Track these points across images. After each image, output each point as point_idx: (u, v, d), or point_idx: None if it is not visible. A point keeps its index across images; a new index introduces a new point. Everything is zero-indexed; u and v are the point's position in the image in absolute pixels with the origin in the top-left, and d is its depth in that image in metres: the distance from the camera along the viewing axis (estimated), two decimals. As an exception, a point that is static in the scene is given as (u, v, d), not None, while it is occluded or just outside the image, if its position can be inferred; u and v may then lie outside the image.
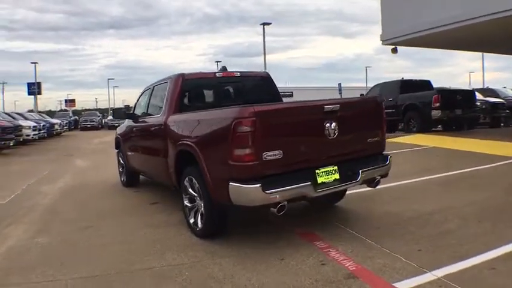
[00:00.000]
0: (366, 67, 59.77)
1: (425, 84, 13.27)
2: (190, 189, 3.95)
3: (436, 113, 11.40)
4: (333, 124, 3.49)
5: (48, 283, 3.03)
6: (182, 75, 4.79)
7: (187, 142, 3.90)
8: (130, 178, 6.67)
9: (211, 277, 2.99)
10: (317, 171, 3.49)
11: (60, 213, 5.17)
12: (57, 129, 25.98)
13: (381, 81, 14.26)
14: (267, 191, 3.11)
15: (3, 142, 12.86)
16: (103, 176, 7.88)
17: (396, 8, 11.93)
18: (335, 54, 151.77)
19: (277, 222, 4.20)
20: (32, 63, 42.42)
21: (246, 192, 3.13)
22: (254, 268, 3.10)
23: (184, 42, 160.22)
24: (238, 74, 5.17)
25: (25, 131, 17.14)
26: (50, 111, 60.00)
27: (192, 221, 3.98)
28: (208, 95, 5.12)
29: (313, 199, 3.56)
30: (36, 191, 6.66)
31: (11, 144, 13.53)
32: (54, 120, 26.68)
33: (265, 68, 32.40)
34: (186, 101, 4.79)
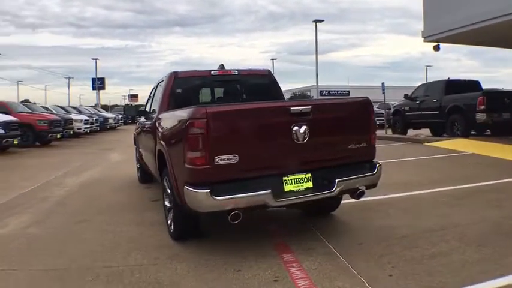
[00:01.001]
0: (426, 66, 56.43)
1: (473, 85, 12.06)
2: (168, 190, 3.90)
3: (481, 117, 10.29)
4: (303, 127, 3.20)
5: (11, 271, 3.13)
6: (175, 73, 4.75)
7: (161, 142, 3.85)
8: (144, 174, 6.82)
9: (157, 282, 2.90)
10: (285, 178, 3.25)
11: (66, 206, 5.39)
12: (110, 123, 27.58)
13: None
14: (217, 197, 2.94)
15: (50, 135, 13.89)
16: (128, 171, 8.13)
17: (439, 1, 10.91)
18: (401, 52, 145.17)
19: (260, 229, 4.04)
20: (92, 59, 45.74)
21: (196, 197, 2.99)
22: (204, 277, 2.96)
23: (248, 39, 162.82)
24: (236, 72, 5.00)
25: (76, 124, 18.41)
26: (116, 105, 64.40)
27: (169, 221, 3.93)
28: (202, 94, 5.03)
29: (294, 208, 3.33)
30: (57, 183, 7.05)
31: (58, 137, 14.56)
32: (108, 115, 28.35)
33: (316, 67, 31.86)
34: (178, 100, 4.74)
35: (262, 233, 3.96)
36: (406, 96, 13.61)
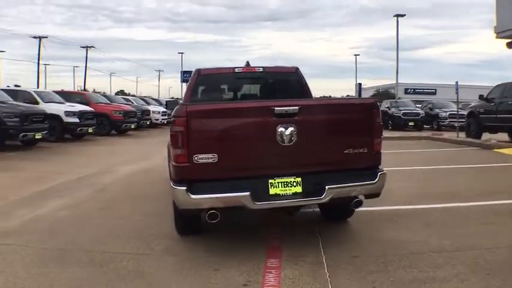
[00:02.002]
0: (519, 65, 49.83)
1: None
2: None
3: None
4: (289, 129, 3.07)
5: (23, 247, 3.50)
6: (198, 70, 4.92)
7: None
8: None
9: (137, 271, 3.06)
10: (271, 181, 3.16)
11: (104, 193, 5.84)
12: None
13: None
14: (192, 196, 2.99)
15: (124, 124, 15.22)
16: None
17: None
18: (496, 50, 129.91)
19: (263, 230, 4.03)
20: (179, 53, 49.12)
21: (175, 194, 3.08)
22: (181, 272, 3.05)
23: (338, 34, 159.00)
24: (261, 70, 4.99)
25: (153, 116, 19.87)
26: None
27: None
28: (225, 90, 5.10)
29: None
30: (109, 171, 7.73)
31: (132, 127, 15.88)
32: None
33: (397, 63, 30.19)
34: (200, 96, 4.87)
35: (264, 234, 3.91)
36: (481, 97, 12.18)
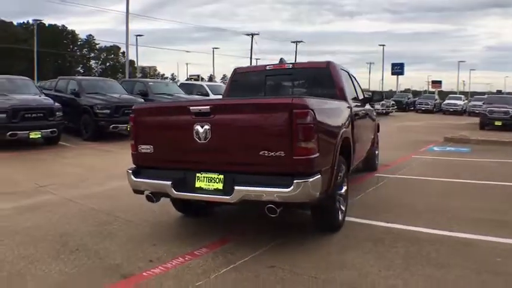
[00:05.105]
0: None
1: None
2: None
3: None
4: (204, 127, 3.33)
5: (75, 204, 4.93)
6: (235, 69, 5.51)
7: None
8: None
9: (112, 233, 3.95)
10: (198, 174, 3.50)
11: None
12: (378, 109, 27.68)
13: None
14: (134, 178, 3.70)
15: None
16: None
17: None
18: None
19: (250, 226, 4.27)
20: (379, 45, 47.54)
21: (127, 176, 3.81)
22: (131, 240, 3.79)
23: None
24: (290, 66, 5.17)
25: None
26: (415, 91, 64.64)
27: None
28: (256, 87, 5.36)
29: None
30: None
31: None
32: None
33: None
34: (236, 92, 5.36)
35: (242, 226, 4.20)
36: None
